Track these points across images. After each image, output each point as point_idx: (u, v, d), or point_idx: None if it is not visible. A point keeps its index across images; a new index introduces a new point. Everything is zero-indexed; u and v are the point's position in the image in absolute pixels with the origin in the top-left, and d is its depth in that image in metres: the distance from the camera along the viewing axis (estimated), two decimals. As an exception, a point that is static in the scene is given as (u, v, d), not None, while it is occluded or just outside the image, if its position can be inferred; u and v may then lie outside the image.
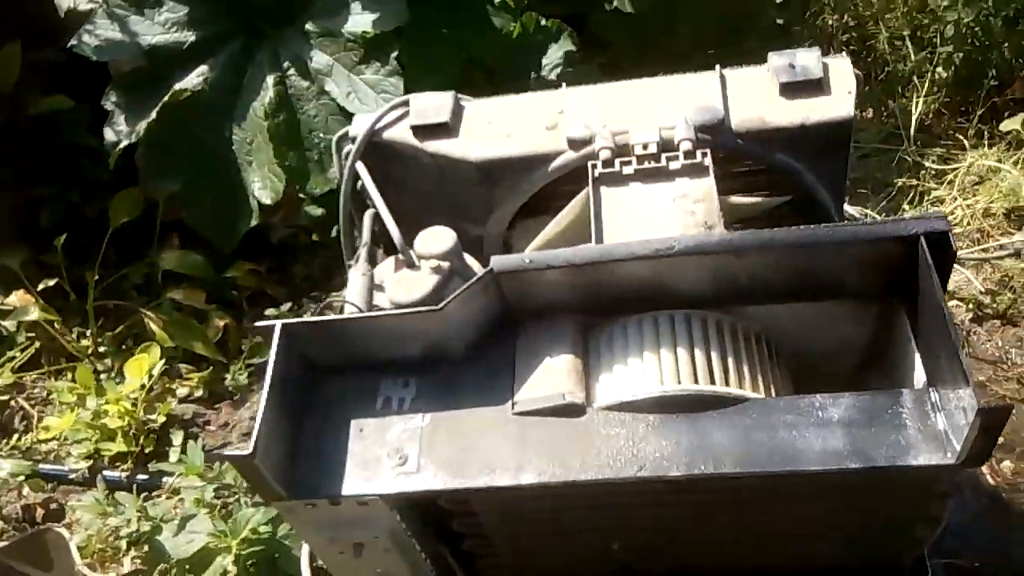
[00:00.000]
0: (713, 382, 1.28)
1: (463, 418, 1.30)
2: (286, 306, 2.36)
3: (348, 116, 2.03)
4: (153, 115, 2.01)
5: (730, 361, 1.30)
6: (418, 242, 1.46)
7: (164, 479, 2.01)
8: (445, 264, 1.44)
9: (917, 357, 1.28)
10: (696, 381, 1.28)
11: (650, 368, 1.29)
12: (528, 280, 1.32)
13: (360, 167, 1.54)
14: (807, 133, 1.42)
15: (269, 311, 2.35)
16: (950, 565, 1.77)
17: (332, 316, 1.31)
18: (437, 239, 1.45)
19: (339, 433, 1.31)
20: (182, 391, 2.21)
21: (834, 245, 1.27)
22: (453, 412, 1.31)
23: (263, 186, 2.04)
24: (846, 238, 1.26)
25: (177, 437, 2.06)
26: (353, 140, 1.55)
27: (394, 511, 1.31)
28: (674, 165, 1.40)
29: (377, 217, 1.55)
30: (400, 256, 1.48)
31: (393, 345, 1.33)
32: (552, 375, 1.31)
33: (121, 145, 2.08)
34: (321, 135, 2.01)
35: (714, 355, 1.30)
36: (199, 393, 2.21)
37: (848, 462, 1.18)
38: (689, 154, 1.40)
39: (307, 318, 1.30)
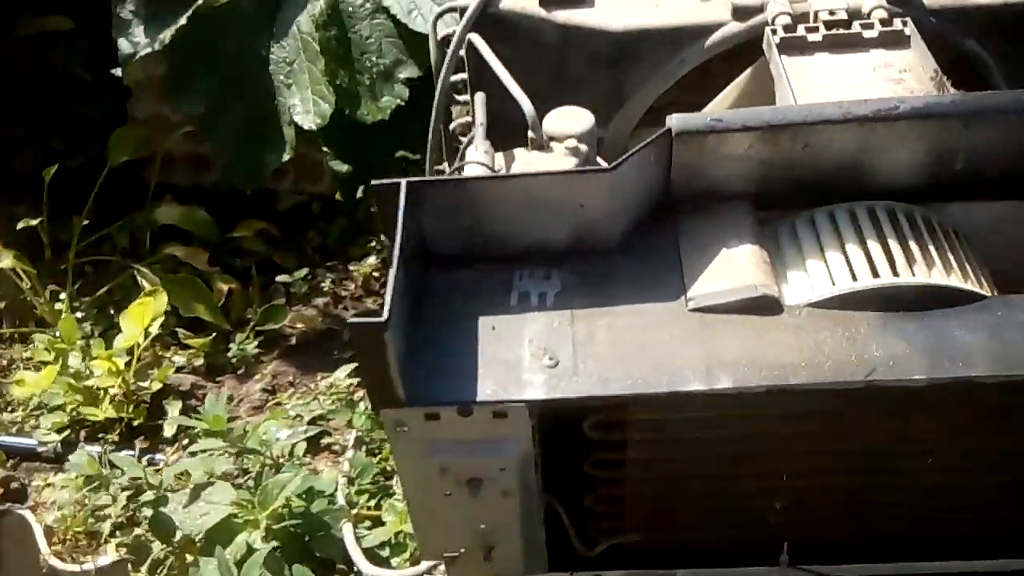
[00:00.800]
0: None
1: (625, 315, 1.02)
2: (301, 272, 2.04)
3: (405, 38, 1.76)
4: (183, 21, 1.72)
5: (950, 257, 1.05)
6: (549, 121, 1.20)
7: (158, 456, 1.65)
8: (583, 147, 1.18)
9: None
10: (913, 275, 1.02)
11: (857, 260, 1.03)
12: (708, 149, 1.06)
13: (476, 39, 1.27)
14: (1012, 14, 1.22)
15: (281, 277, 2.04)
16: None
17: (465, 176, 1.02)
18: (573, 118, 1.19)
19: (466, 332, 1.02)
20: (179, 359, 1.86)
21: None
22: (612, 308, 1.03)
23: (306, 109, 1.75)
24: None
25: (173, 408, 1.71)
26: (461, 12, 1.29)
27: (534, 431, 1.00)
28: (869, 34, 1.17)
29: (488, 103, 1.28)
30: (530, 137, 1.21)
31: (532, 227, 1.05)
32: (733, 267, 1.04)
33: (140, 54, 1.78)
34: (374, 59, 1.74)
35: (932, 249, 1.05)
36: (198, 363, 1.87)
37: None
38: (885, 22, 1.17)
39: (439, 178, 1.01)
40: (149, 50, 1.77)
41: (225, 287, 1.99)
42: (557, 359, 0.98)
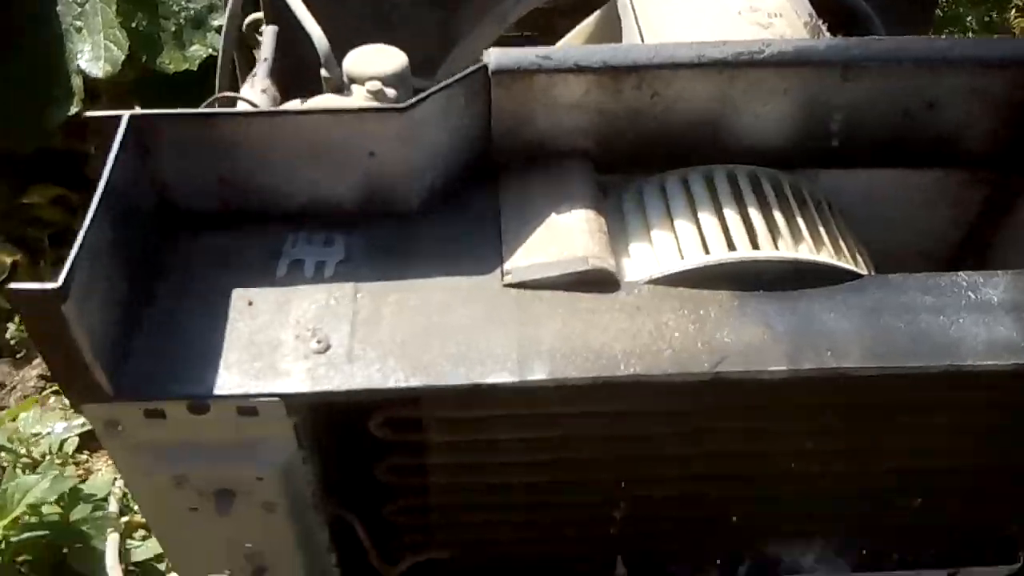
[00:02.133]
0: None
1: (423, 290, 0.81)
2: (104, 245, 1.76)
3: (219, -22, 1.51)
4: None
5: (821, 231, 0.87)
6: (350, 61, 0.97)
7: None
8: (390, 91, 0.95)
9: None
10: (777, 249, 0.84)
11: (711, 231, 0.84)
12: (535, 93, 0.85)
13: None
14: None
15: (79, 249, 1.74)
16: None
17: (221, 110, 0.78)
18: (379, 57, 0.97)
19: (212, 308, 0.78)
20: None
21: (978, 65, 0.88)
22: (407, 282, 0.81)
23: (95, 56, 1.48)
24: (1005, 54, 0.88)
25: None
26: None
27: (299, 432, 0.78)
28: (732, -30, 0.99)
29: (281, 36, 1.04)
30: (324, 77, 0.98)
31: (309, 180, 0.83)
32: (561, 237, 0.84)
33: None
34: (183, 3, 1.48)
35: (800, 221, 0.87)
36: (-33, 345, 1.57)
37: (1029, 358, 0.78)
38: (753, -46, 0.99)
39: (180, 110, 0.77)
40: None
41: (9, 259, 1.69)
42: (328, 343, 0.76)
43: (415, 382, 0.74)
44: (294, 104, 1.02)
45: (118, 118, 0.74)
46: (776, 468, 0.92)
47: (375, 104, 0.84)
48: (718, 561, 1.03)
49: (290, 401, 0.73)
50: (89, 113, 0.77)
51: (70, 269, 0.62)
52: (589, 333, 0.78)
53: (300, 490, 0.84)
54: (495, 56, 0.84)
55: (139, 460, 0.77)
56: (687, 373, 0.76)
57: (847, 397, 0.83)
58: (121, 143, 0.73)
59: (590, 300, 0.80)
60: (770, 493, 0.96)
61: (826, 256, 0.84)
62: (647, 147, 0.91)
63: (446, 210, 0.87)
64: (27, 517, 1.14)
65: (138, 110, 0.75)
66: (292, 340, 0.76)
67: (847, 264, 0.85)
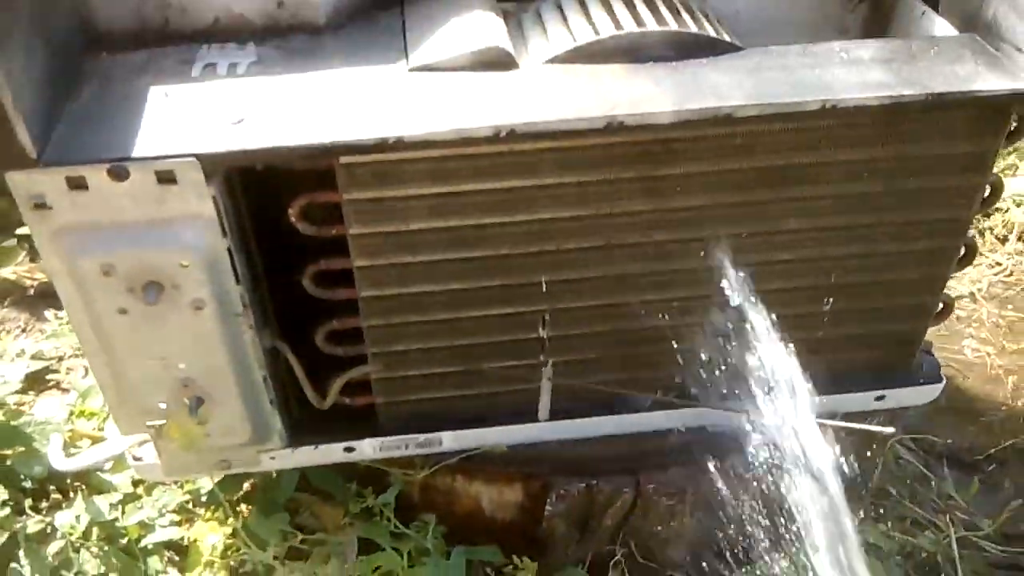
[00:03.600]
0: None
1: (332, 79, 0.85)
2: None
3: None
4: None
5: (703, 20, 0.93)
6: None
7: None
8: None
9: (938, 22, 0.98)
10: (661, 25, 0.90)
11: (600, 18, 0.90)
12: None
13: None
14: None
15: (21, 230, 1.77)
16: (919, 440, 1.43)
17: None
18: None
19: (131, 101, 0.82)
20: None
21: None
22: (316, 73, 0.86)
23: None
24: None
25: None
26: None
27: (220, 211, 0.81)
28: None
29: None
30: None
31: (221, -9, 0.88)
32: (463, 31, 0.89)
33: None
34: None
35: (683, 11, 0.93)
36: (-93, 313, 1.57)
37: (899, 90, 0.83)
38: None
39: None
40: None
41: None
42: (243, 118, 0.80)
43: (326, 139, 0.78)
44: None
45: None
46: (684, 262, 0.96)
47: None
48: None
49: (206, 160, 0.77)
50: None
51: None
52: (490, 99, 0.83)
53: (228, 291, 0.86)
54: None
55: (66, 245, 0.80)
56: (581, 119, 0.81)
57: (737, 157, 0.88)
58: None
59: (489, 77, 0.85)
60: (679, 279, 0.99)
61: (709, 31, 0.91)
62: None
63: (354, 26, 0.92)
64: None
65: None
66: (208, 117, 0.80)
67: (729, 39, 0.91)
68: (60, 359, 1.49)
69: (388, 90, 0.84)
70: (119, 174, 0.76)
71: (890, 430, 0.92)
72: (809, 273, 0.99)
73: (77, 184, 0.76)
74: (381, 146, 0.79)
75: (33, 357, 1.45)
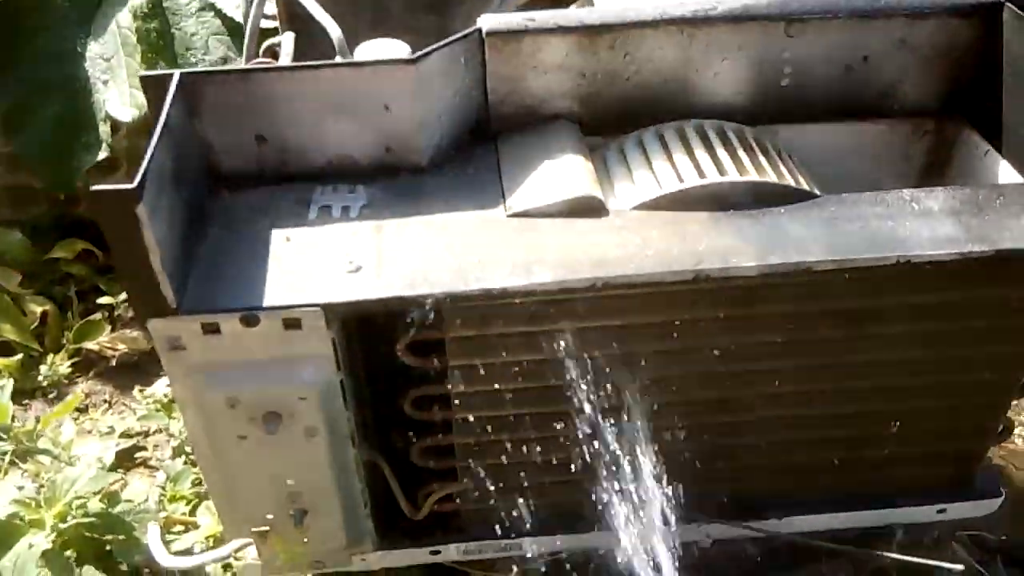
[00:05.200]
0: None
1: (438, 223, 0.93)
2: (125, 294, 1.87)
3: (233, 33, 1.68)
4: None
5: (781, 167, 1.00)
6: (360, 53, 1.11)
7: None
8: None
9: (1001, 163, 1.04)
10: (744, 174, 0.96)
11: (684, 166, 0.97)
12: (524, 56, 0.99)
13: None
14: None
15: (103, 299, 1.86)
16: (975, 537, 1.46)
17: (255, 66, 0.91)
18: (387, 50, 1.10)
19: (255, 244, 0.90)
20: (-21, 382, 1.65)
21: (906, 16, 1.02)
22: (423, 217, 0.93)
23: (122, 102, 1.63)
24: (926, 4, 1.02)
25: (-34, 429, 1.50)
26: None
27: (336, 349, 0.88)
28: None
29: (298, 42, 1.18)
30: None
31: (333, 136, 0.95)
32: (557, 176, 0.96)
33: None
34: (200, 55, 1.64)
35: (763, 159, 1.00)
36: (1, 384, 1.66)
37: (969, 247, 0.89)
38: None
39: (218, 67, 0.90)
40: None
41: (39, 309, 1.80)
42: (359, 265, 0.88)
43: (437, 290, 0.85)
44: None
45: (169, 77, 0.87)
46: (761, 388, 1.02)
47: (386, 60, 0.95)
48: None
49: (329, 309, 0.84)
50: (142, 73, 0.90)
51: (142, 175, 0.74)
52: (585, 247, 0.89)
53: (337, 416, 0.93)
54: (487, 19, 0.99)
55: (196, 381, 0.87)
56: (671, 272, 0.87)
57: (814, 300, 0.94)
58: (172, 97, 0.85)
59: (583, 223, 0.92)
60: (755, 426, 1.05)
61: (787, 177, 0.97)
62: (624, 107, 1.04)
63: (452, 165, 1.00)
64: (74, 509, 1.22)
65: (188, 70, 0.88)
66: (327, 265, 0.87)
67: (806, 185, 0.98)
68: (146, 435, 1.57)
69: (490, 237, 0.90)
70: (250, 321, 0.84)
71: (959, 568, 0.97)
72: (879, 399, 1.05)
73: (211, 330, 0.84)
74: (487, 296, 0.86)
75: (121, 435, 1.53)
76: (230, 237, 0.90)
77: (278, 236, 0.91)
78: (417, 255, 0.88)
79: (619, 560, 1.14)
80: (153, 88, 0.88)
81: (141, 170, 0.74)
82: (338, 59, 1.10)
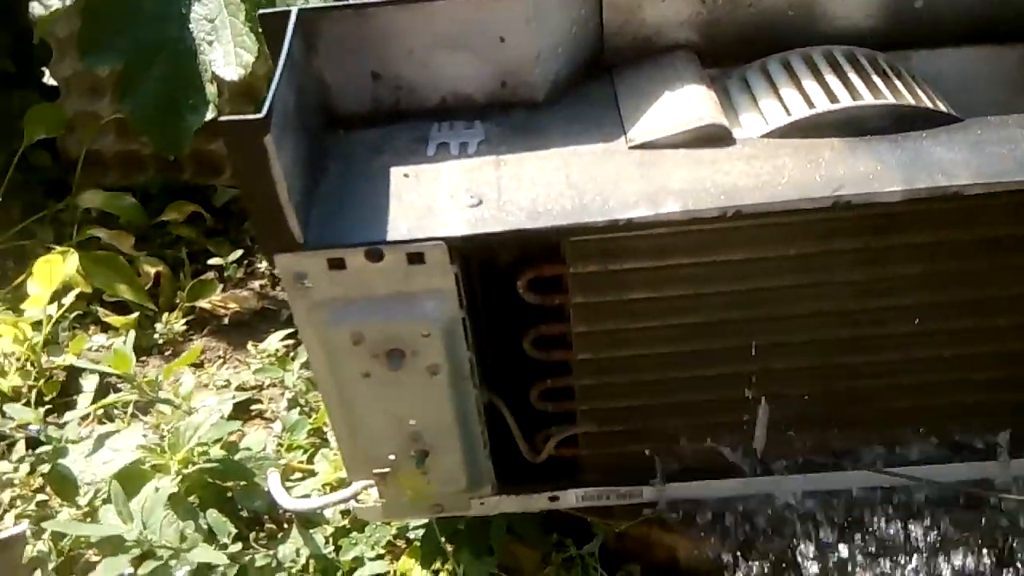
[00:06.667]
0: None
1: (558, 156, 0.90)
2: (235, 254, 1.91)
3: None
4: (98, -23, 1.64)
5: (917, 90, 0.94)
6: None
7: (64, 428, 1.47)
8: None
9: None
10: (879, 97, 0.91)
11: (815, 91, 0.92)
12: (641, -19, 0.96)
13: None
14: None
15: (213, 260, 1.90)
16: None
17: (372, 0, 0.90)
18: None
19: (375, 180, 0.89)
20: (99, 339, 1.71)
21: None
22: (542, 151, 0.91)
23: (227, 62, 1.65)
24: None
25: (89, 382, 1.55)
26: None
27: (459, 284, 0.87)
28: None
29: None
30: None
31: (449, 71, 0.94)
32: (678, 105, 0.93)
33: (52, 10, 1.67)
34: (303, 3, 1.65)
35: (898, 83, 0.94)
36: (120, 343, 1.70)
37: None
38: None
39: (334, 3, 0.89)
40: (61, 5, 1.67)
41: (152, 270, 1.84)
42: (480, 199, 0.86)
43: (560, 222, 0.83)
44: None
45: (288, 13, 0.86)
46: (897, 327, 0.97)
47: None
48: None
49: (452, 243, 0.83)
50: (261, 12, 0.89)
51: (269, 106, 0.74)
52: (713, 176, 0.86)
53: (460, 354, 0.92)
54: (604, -56, 0.95)
55: (322, 317, 0.87)
56: (808, 199, 0.83)
57: (963, 227, 0.88)
58: (292, 31, 0.84)
59: (710, 153, 0.89)
60: (892, 360, 1.00)
61: (925, 101, 0.91)
62: (747, 36, 1.00)
63: (568, 99, 0.97)
64: (196, 455, 1.24)
65: (307, 7, 0.87)
66: (448, 199, 0.86)
67: (947, 110, 0.92)
68: (261, 388, 1.60)
69: (613, 169, 0.88)
70: (374, 256, 0.83)
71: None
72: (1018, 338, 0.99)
73: (336, 265, 0.83)
74: (612, 227, 0.83)
75: (237, 388, 1.56)
76: (349, 175, 0.90)
77: (397, 173, 0.90)
78: (539, 189, 0.86)
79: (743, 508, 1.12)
80: (271, 25, 0.87)
81: (268, 101, 0.74)
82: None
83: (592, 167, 0.88)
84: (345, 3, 0.88)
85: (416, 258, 0.83)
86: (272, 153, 0.74)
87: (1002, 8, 1.01)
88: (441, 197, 0.86)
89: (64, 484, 1.22)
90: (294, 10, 0.87)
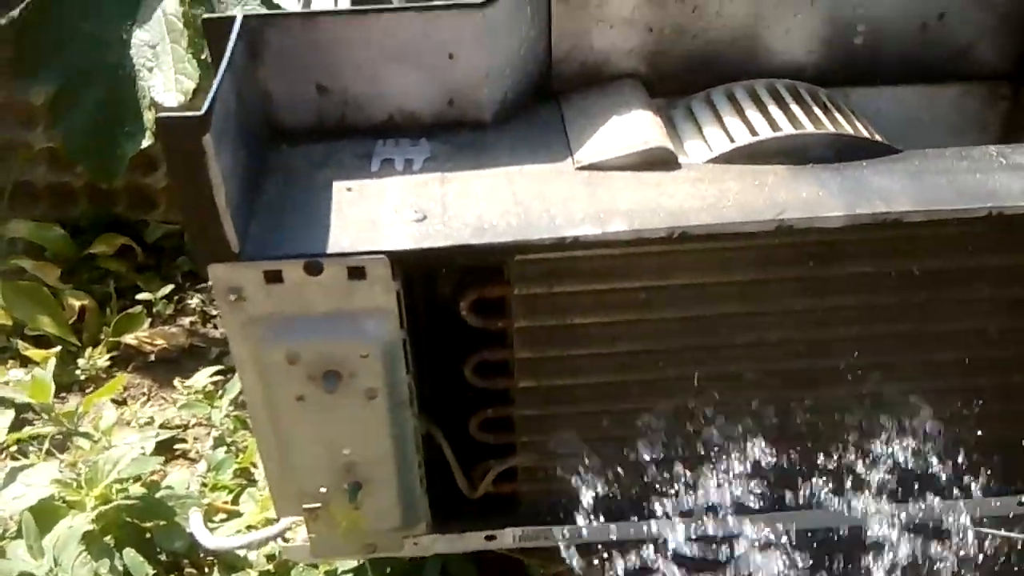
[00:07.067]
0: (844, 138, 0.93)
1: (506, 176, 0.89)
2: (165, 290, 1.85)
3: (277, 22, 1.66)
4: (33, -2, 1.59)
5: (857, 123, 0.96)
6: None
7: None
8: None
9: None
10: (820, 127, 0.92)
11: (758, 121, 0.93)
12: (591, 8, 0.96)
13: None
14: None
15: (142, 295, 1.84)
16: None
17: (320, 9, 0.89)
18: None
19: (317, 194, 0.87)
20: (16, 374, 1.62)
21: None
22: (489, 170, 0.90)
23: (167, 88, 1.61)
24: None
25: (5, 416, 1.47)
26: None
27: (400, 302, 0.84)
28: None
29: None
30: None
31: (396, 86, 0.92)
32: (625, 130, 0.93)
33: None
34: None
35: (838, 115, 0.96)
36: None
37: (1068, 198, 0.84)
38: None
39: (283, 10, 0.88)
40: (-1, 20, 1.63)
41: (77, 304, 1.77)
42: (425, 214, 0.84)
43: (506, 238, 0.81)
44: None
45: (232, 20, 0.84)
46: (838, 360, 0.97)
47: (454, 3, 0.92)
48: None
49: (395, 257, 0.80)
50: (205, 16, 0.87)
51: (210, 104, 0.71)
52: (659, 198, 0.85)
53: (399, 380, 0.89)
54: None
55: (256, 334, 0.83)
56: (753, 222, 0.83)
57: (902, 254, 0.89)
58: (236, 36, 0.82)
59: (656, 176, 0.88)
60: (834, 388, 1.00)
61: (866, 133, 0.93)
62: (692, 67, 1.01)
63: (516, 121, 0.97)
64: (116, 493, 1.18)
65: (252, 12, 0.85)
66: (392, 214, 0.84)
67: (881, 139, 0.93)
68: (186, 427, 1.53)
69: (560, 189, 0.87)
70: (313, 269, 0.80)
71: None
72: (959, 374, 0.99)
73: (273, 278, 0.80)
74: (558, 246, 0.82)
75: (161, 426, 1.50)
76: (291, 188, 0.87)
77: (340, 187, 0.87)
78: (484, 205, 0.85)
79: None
80: (215, 31, 0.85)
81: (208, 100, 0.71)
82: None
83: (539, 186, 0.87)
84: (292, 11, 0.87)
85: (357, 272, 0.81)
86: (211, 153, 0.71)
87: (937, 47, 1.04)
88: (385, 212, 0.84)
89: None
90: (239, 15, 0.85)
